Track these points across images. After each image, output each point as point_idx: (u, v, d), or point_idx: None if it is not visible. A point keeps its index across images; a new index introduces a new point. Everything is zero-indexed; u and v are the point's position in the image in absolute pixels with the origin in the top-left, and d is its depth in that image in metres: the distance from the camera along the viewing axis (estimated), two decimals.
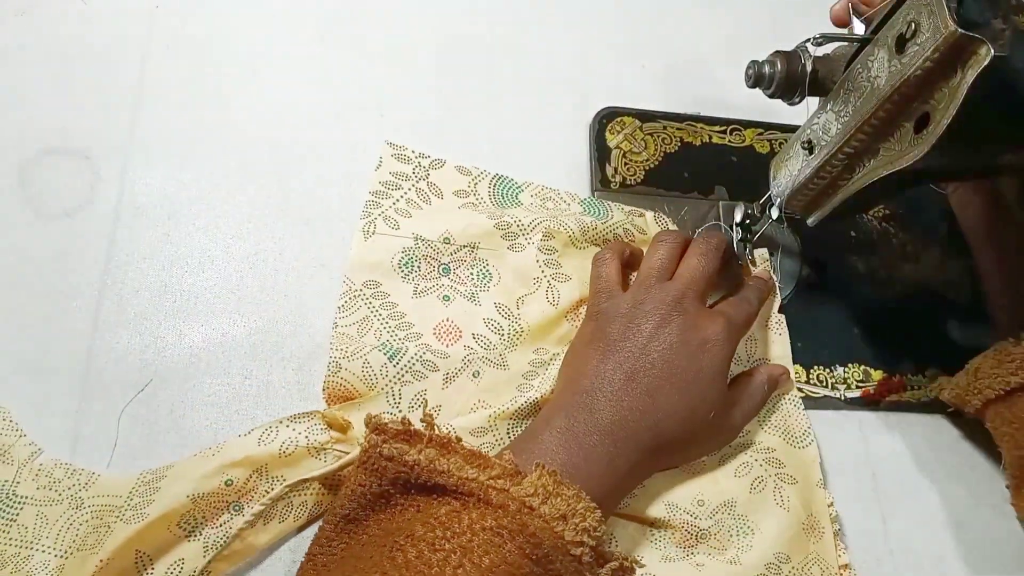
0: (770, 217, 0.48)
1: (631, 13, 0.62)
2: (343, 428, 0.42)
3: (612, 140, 0.56)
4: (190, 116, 0.51)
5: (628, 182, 0.55)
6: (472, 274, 0.49)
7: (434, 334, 0.47)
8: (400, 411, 0.44)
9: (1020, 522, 0.49)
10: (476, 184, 0.52)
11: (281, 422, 0.41)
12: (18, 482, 0.39)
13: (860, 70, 0.40)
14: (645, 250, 0.49)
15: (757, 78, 0.44)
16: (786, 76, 0.42)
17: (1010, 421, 0.45)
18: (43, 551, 0.38)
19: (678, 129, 0.57)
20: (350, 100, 0.54)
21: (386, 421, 0.37)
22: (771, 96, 0.44)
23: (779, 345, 0.51)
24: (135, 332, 0.45)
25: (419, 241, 0.49)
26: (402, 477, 0.35)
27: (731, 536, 0.44)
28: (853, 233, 0.57)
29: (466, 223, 0.49)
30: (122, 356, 0.44)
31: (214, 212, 0.49)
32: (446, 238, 0.49)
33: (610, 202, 0.52)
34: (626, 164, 0.55)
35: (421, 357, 0.45)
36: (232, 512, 0.39)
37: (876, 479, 0.50)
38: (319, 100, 0.54)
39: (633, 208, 0.52)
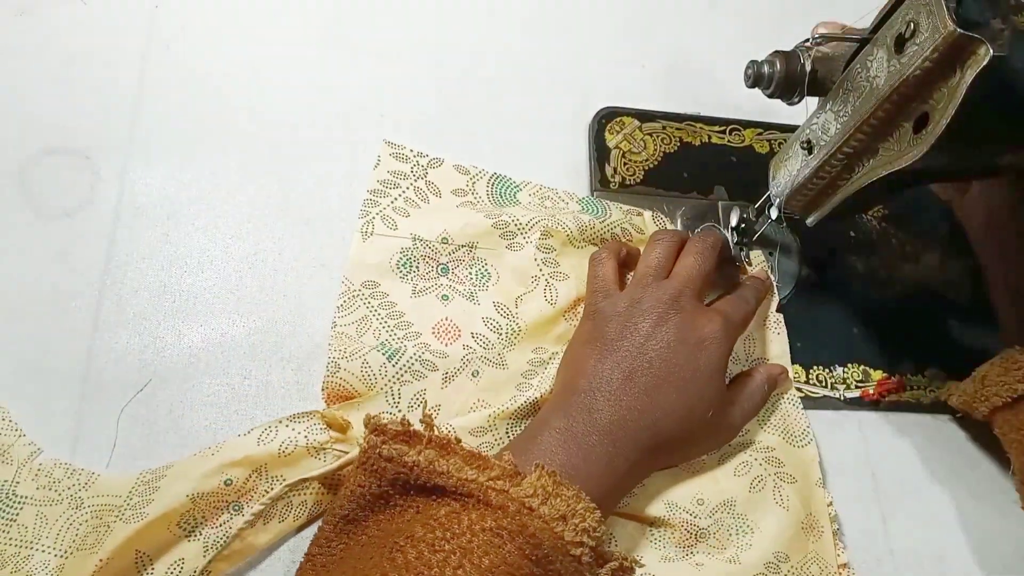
0: (769, 217, 0.48)
1: (631, 13, 0.62)
2: (342, 428, 0.42)
3: (611, 140, 0.56)
4: (190, 116, 0.51)
5: (627, 182, 0.55)
6: (471, 273, 0.49)
7: (433, 333, 0.47)
8: (399, 411, 0.44)
9: None
10: (474, 183, 0.52)
11: (280, 422, 0.41)
12: (18, 482, 0.39)
13: (859, 70, 0.40)
14: (642, 249, 0.49)
15: (756, 78, 0.44)
16: (785, 76, 0.42)
17: (1017, 428, 0.45)
18: (43, 551, 0.38)
19: (677, 129, 0.57)
20: (350, 100, 0.54)
21: (385, 422, 0.37)
22: (770, 96, 0.44)
23: (777, 344, 0.51)
24: (135, 332, 0.45)
25: (417, 241, 0.49)
26: (401, 478, 0.35)
27: (730, 535, 0.44)
28: (853, 233, 0.57)
29: (464, 222, 0.49)
30: (122, 356, 0.44)
31: (214, 212, 0.49)
32: (444, 238, 0.49)
33: (608, 201, 0.52)
34: (625, 164, 0.55)
35: (420, 357, 0.45)
36: (232, 512, 0.39)
37: (876, 479, 0.50)
38: (319, 100, 0.54)
39: (631, 207, 0.52)
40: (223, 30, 0.55)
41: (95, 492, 0.40)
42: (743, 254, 0.52)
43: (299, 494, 0.41)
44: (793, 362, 0.51)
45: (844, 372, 0.52)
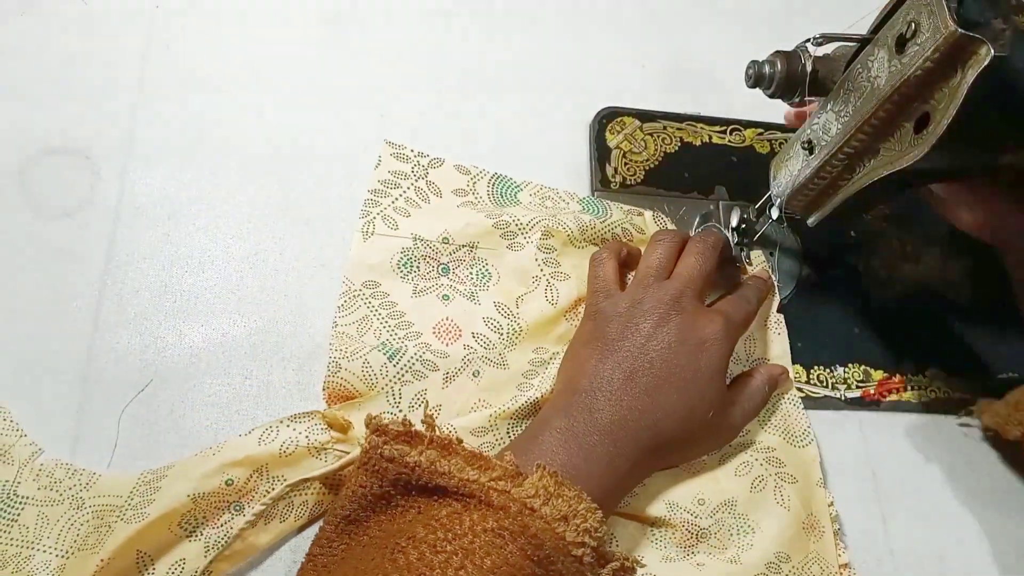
0: (770, 217, 0.48)
1: (631, 13, 0.62)
2: (343, 428, 0.42)
3: (612, 140, 0.56)
4: (190, 116, 0.51)
5: (628, 182, 0.55)
6: (471, 273, 0.49)
7: (434, 333, 0.47)
8: (400, 411, 0.44)
9: None
10: (475, 183, 0.52)
11: (281, 422, 0.41)
12: (19, 482, 0.39)
13: (860, 70, 0.40)
14: (643, 249, 0.49)
15: (757, 78, 0.44)
16: (786, 76, 0.42)
17: None
18: (44, 551, 0.38)
19: (678, 129, 0.57)
20: (350, 100, 0.54)
21: (387, 422, 0.37)
22: (771, 96, 0.44)
23: (778, 344, 0.51)
24: (135, 332, 0.45)
25: (418, 241, 0.49)
26: (403, 478, 0.35)
27: (731, 535, 0.44)
28: (853, 233, 0.57)
29: (465, 222, 0.49)
30: (122, 356, 0.44)
31: (214, 212, 0.49)
32: (445, 238, 0.49)
33: (608, 201, 0.52)
34: (626, 164, 0.55)
35: (421, 357, 0.45)
36: (233, 512, 0.39)
37: (876, 479, 0.50)
38: (319, 100, 0.54)
39: (632, 207, 0.52)
40: (223, 30, 0.54)
41: (96, 492, 0.40)
42: (744, 254, 0.52)
43: (300, 494, 0.41)
44: (794, 362, 0.51)
45: (845, 372, 0.52)
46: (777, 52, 0.43)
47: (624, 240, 0.51)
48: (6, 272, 0.45)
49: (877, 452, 0.50)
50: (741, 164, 0.57)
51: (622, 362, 0.42)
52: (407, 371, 0.44)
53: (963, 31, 0.33)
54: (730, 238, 0.51)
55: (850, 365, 0.53)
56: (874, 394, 0.52)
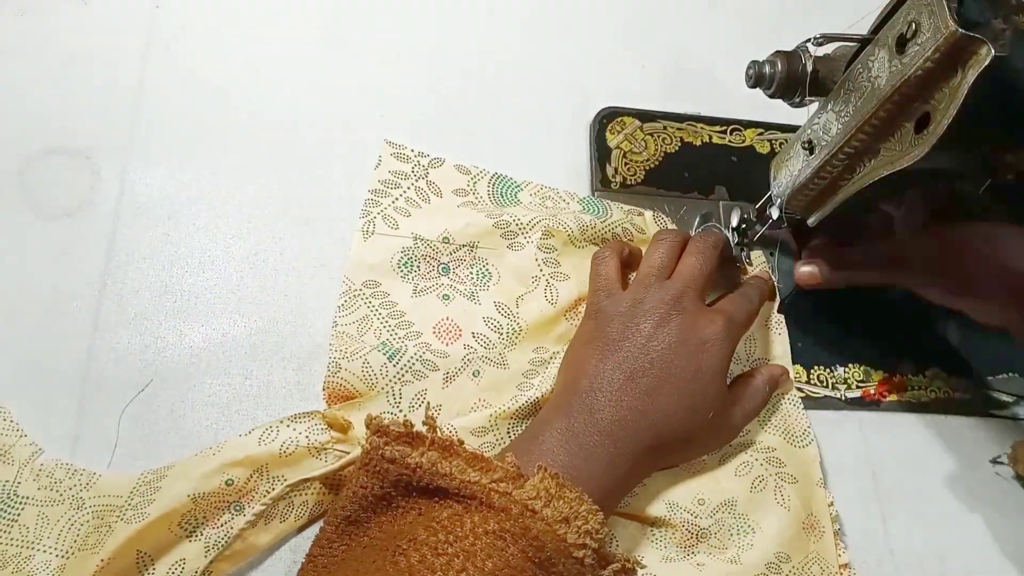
0: (770, 217, 0.48)
1: (631, 13, 0.62)
2: (343, 428, 0.42)
3: (612, 140, 0.56)
4: (190, 116, 0.51)
5: (628, 182, 0.55)
6: (472, 273, 0.49)
7: (434, 333, 0.47)
8: (401, 411, 0.44)
9: None
10: (475, 183, 0.52)
11: (281, 422, 0.41)
12: (19, 482, 0.39)
13: (860, 70, 0.40)
14: (644, 249, 0.49)
15: (757, 78, 0.44)
16: (786, 76, 0.42)
17: None
18: (44, 551, 0.38)
19: (678, 129, 0.57)
20: (350, 100, 0.54)
21: (387, 422, 0.37)
22: (771, 96, 0.44)
23: (779, 345, 0.51)
24: (135, 332, 0.45)
25: (418, 241, 0.49)
26: (404, 479, 0.35)
27: (731, 535, 0.44)
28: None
29: (465, 222, 0.49)
30: (122, 356, 0.44)
31: (214, 212, 0.49)
32: (445, 238, 0.49)
33: (609, 201, 0.52)
34: (626, 164, 0.55)
35: (421, 356, 0.45)
36: (233, 512, 0.39)
37: (876, 479, 0.50)
38: (319, 100, 0.54)
39: (632, 207, 0.52)
40: (223, 30, 0.54)
41: (96, 492, 0.40)
42: (744, 254, 0.52)
43: (300, 494, 0.41)
44: (794, 362, 0.51)
45: (845, 372, 0.52)
46: (777, 52, 0.43)
47: (625, 240, 0.51)
48: (6, 272, 0.45)
49: (877, 452, 0.50)
50: (741, 164, 0.57)
51: (623, 362, 0.42)
52: (407, 371, 0.44)
53: (963, 31, 0.33)
54: (730, 238, 0.51)
55: (850, 365, 0.53)
56: (874, 394, 0.52)
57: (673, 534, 0.44)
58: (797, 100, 0.43)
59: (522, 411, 0.44)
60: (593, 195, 0.54)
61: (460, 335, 0.47)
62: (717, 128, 0.58)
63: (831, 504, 0.47)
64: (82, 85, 0.51)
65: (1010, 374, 0.54)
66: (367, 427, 0.37)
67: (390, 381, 0.44)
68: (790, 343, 0.51)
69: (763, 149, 0.58)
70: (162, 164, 0.49)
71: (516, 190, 0.52)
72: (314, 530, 0.40)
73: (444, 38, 0.58)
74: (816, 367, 0.52)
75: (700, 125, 0.58)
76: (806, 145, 0.44)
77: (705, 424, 0.43)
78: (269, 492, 0.40)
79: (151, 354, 0.44)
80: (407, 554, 0.32)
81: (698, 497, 0.45)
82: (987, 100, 0.34)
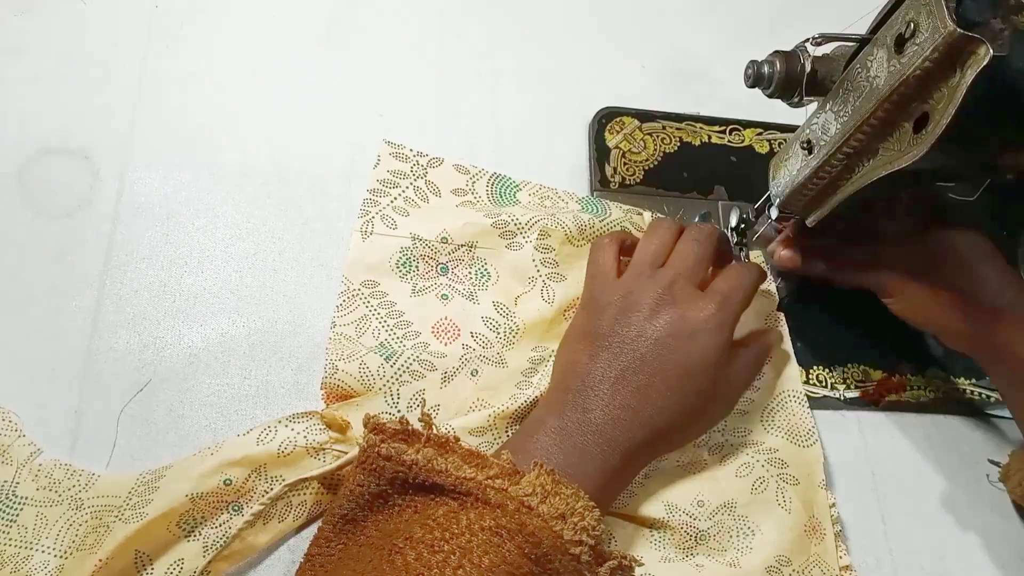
0: (769, 217, 0.48)
1: (631, 13, 0.62)
2: (342, 428, 0.42)
3: (611, 140, 0.56)
4: (190, 116, 0.51)
5: (627, 182, 0.55)
6: (470, 273, 0.49)
7: (432, 332, 0.47)
8: (399, 411, 0.44)
9: None
10: (474, 183, 0.52)
11: (280, 422, 0.41)
12: (18, 482, 0.39)
13: (859, 70, 0.40)
14: None
15: (756, 78, 0.44)
16: (785, 76, 0.42)
17: None
18: (43, 551, 0.38)
19: (677, 129, 0.57)
20: (350, 100, 0.54)
21: (384, 421, 0.37)
22: (770, 96, 0.44)
23: (779, 343, 0.51)
24: (134, 332, 0.45)
25: (417, 241, 0.49)
26: (400, 477, 0.35)
27: (731, 537, 0.44)
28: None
29: (464, 222, 0.49)
30: (121, 356, 0.44)
31: (213, 212, 0.49)
32: (444, 238, 0.49)
33: (608, 201, 0.52)
34: (625, 164, 0.55)
35: (418, 357, 0.45)
36: (231, 512, 0.39)
37: (876, 479, 0.49)
38: (319, 100, 0.54)
39: (631, 207, 0.52)
40: (223, 30, 0.55)
41: (95, 493, 0.40)
42: (742, 254, 0.52)
43: (299, 494, 0.41)
44: None
45: (844, 372, 0.52)
46: (776, 52, 0.43)
47: None
48: (6, 272, 0.45)
49: (877, 452, 0.50)
50: (740, 164, 0.57)
51: (613, 360, 0.41)
52: (404, 371, 0.44)
53: (962, 31, 0.33)
54: (730, 238, 0.51)
55: (850, 365, 0.52)
56: (873, 394, 0.52)
57: (672, 536, 0.44)
58: (796, 100, 0.43)
59: (520, 410, 0.44)
60: (592, 195, 0.54)
61: (459, 335, 0.47)
62: (716, 128, 0.58)
63: (832, 505, 0.47)
64: (82, 85, 0.51)
65: None
66: (364, 426, 0.37)
67: (387, 381, 0.44)
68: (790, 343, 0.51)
69: (762, 149, 0.58)
70: (161, 164, 0.49)
71: (515, 190, 0.52)
72: (313, 530, 0.40)
73: (444, 38, 0.58)
74: (816, 367, 0.52)
75: (699, 125, 0.58)
76: (805, 145, 0.44)
77: (699, 412, 0.43)
78: (267, 492, 0.40)
79: (150, 354, 0.44)
80: (403, 552, 0.32)
81: (697, 498, 0.45)
82: (986, 100, 0.34)
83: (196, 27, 0.54)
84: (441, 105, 0.55)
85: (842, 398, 0.51)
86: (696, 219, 0.54)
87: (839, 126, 0.41)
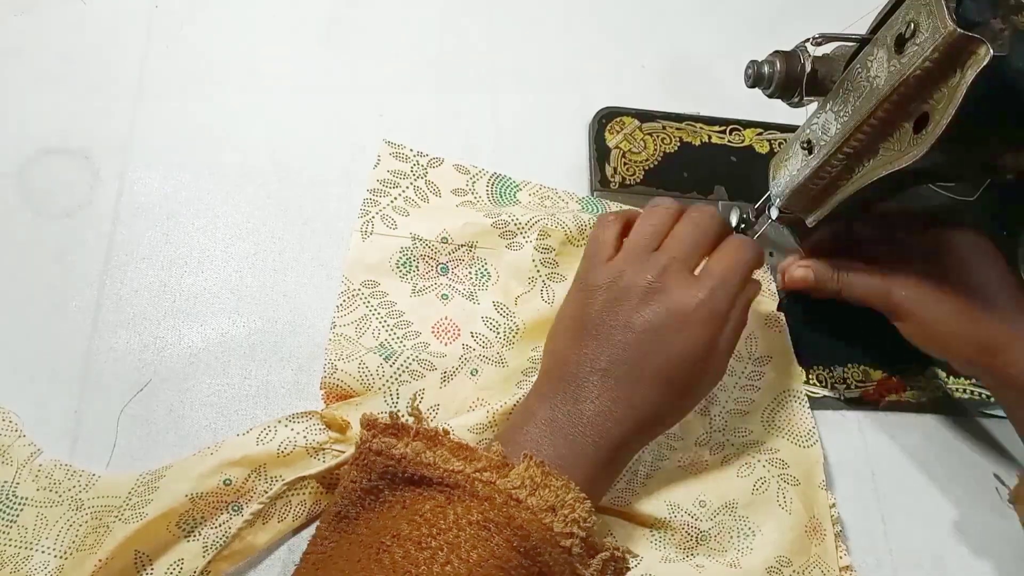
0: (769, 217, 0.48)
1: (631, 13, 0.62)
2: (342, 428, 0.42)
3: (611, 140, 0.56)
4: (190, 116, 0.51)
5: (627, 182, 0.55)
6: (471, 273, 0.49)
7: (432, 332, 0.47)
8: (398, 411, 0.44)
9: None
10: (474, 182, 0.52)
11: (280, 422, 0.41)
12: (18, 483, 0.39)
13: (859, 70, 0.40)
14: None
15: (756, 78, 0.44)
16: (785, 76, 0.42)
17: None
18: (43, 552, 0.38)
19: (677, 129, 0.57)
20: (350, 100, 0.54)
21: (377, 416, 0.36)
22: (770, 96, 0.44)
23: (780, 343, 0.51)
24: (134, 332, 0.45)
25: (417, 241, 0.49)
26: (390, 471, 0.35)
27: (732, 538, 0.44)
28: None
29: (464, 222, 0.49)
30: (121, 356, 0.44)
31: (213, 212, 0.49)
32: (444, 238, 0.49)
33: (608, 201, 0.52)
34: (625, 164, 0.55)
35: (417, 357, 0.45)
36: (231, 512, 0.39)
37: (876, 479, 0.49)
38: (319, 100, 0.54)
39: (631, 207, 0.52)
40: (223, 30, 0.55)
41: (95, 493, 0.40)
42: None
43: (298, 494, 0.41)
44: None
45: (844, 372, 0.52)
46: (776, 52, 0.43)
47: None
48: (6, 272, 0.45)
49: (877, 452, 0.50)
50: (740, 164, 0.57)
51: (602, 350, 0.40)
52: (404, 371, 0.44)
53: (962, 31, 0.33)
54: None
55: (850, 365, 0.52)
56: (873, 394, 0.52)
57: (673, 536, 0.44)
58: (796, 100, 0.43)
59: None
60: (592, 195, 0.54)
61: (459, 335, 0.47)
62: (716, 128, 0.58)
63: (833, 505, 0.47)
64: (82, 85, 0.51)
65: None
66: (361, 425, 0.37)
67: (387, 381, 0.44)
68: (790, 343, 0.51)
69: (762, 149, 0.58)
70: (161, 164, 0.49)
71: (515, 190, 0.52)
72: (312, 530, 0.40)
73: (444, 38, 0.58)
74: (816, 367, 0.52)
75: (699, 125, 0.58)
76: (805, 145, 0.44)
77: (689, 394, 0.42)
78: (267, 492, 0.40)
79: (150, 354, 0.44)
80: (391, 550, 0.32)
81: (699, 499, 0.45)
82: (986, 100, 0.34)
83: (196, 27, 0.54)
84: (441, 105, 0.55)
85: (842, 398, 0.51)
86: None
87: (839, 126, 0.41)
